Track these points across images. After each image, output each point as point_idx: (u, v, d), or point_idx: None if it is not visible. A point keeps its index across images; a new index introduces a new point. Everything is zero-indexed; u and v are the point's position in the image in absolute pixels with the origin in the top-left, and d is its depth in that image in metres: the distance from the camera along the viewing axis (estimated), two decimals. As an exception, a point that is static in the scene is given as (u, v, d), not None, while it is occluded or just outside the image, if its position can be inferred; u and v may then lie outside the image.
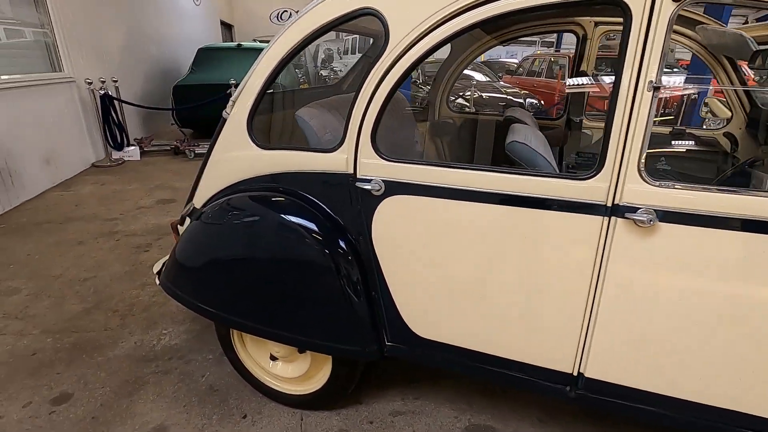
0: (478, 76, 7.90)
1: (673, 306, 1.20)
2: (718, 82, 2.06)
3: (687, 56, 9.50)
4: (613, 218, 1.19)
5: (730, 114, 2.13)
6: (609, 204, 1.18)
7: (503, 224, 1.29)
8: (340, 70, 11.03)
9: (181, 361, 2.11)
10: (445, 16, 1.25)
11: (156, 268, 2.02)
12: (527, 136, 1.50)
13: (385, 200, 1.41)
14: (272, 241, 1.54)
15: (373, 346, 1.53)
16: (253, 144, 1.59)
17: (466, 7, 1.23)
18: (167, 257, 2.08)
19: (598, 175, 1.18)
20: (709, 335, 1.19)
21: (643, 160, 1.14)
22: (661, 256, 1.17)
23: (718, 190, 1.10)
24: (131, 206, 4.12)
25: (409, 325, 1.51)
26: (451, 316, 1.44)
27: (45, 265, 3.01)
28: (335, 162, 1.46)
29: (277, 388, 1.82)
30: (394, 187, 1.38)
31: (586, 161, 2.38)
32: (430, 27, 1.27)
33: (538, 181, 1.23)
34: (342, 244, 1.48)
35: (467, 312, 1.42)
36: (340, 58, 12.20)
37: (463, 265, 1.37)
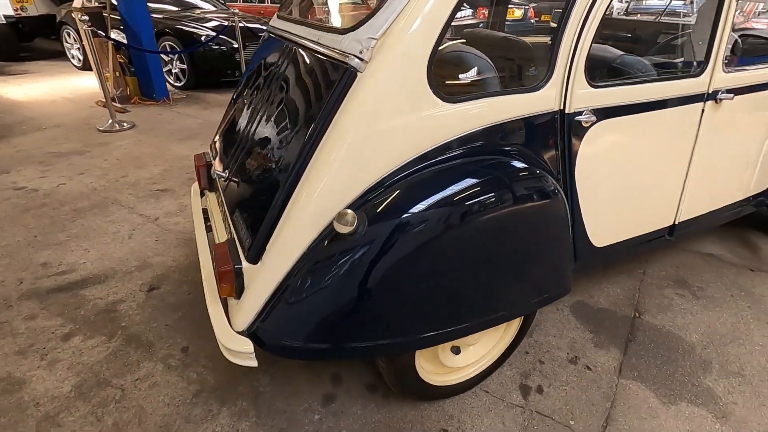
0: (206, 5, 6.68)
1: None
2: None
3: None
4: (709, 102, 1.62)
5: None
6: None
7: (690, 120, 1.56)
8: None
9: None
10: None
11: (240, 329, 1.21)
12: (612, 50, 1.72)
13: (591, 128, 1.38)
14: (509, 208, 1.24)
15: (569, 280, 1.53)
16: (437, 99, 1.16)
17: None
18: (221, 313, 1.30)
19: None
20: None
21: None
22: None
23: None
24: None
25: (592, 242, 1.59)
26: (627, 216, 1.64)
27: None
28: (542, 100, 1.29)
29: (464, 379, 1.56)
30: (603, 113, 1.38)
31: None
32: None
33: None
34: (558, 186, 1.36)
35: (641, 209, 1.66)
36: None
37: (654, 166, 1.58)
